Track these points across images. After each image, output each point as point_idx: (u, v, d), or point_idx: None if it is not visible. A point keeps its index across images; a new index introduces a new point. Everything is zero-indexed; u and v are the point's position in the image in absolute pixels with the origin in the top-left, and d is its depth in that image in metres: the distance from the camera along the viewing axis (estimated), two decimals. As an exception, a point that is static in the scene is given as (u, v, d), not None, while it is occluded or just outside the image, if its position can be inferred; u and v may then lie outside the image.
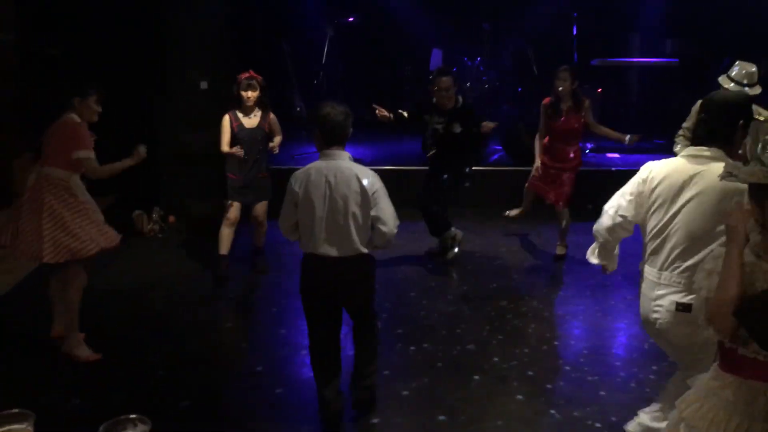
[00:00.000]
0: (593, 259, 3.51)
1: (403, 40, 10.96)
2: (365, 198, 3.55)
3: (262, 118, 5.89)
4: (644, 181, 3.15)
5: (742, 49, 8.70)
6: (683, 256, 2.99)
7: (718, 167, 2.65)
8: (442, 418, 3.95)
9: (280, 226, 3.78)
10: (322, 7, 10.71)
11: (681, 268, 3.00)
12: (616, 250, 3.46)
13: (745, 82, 5.11)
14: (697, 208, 2.96)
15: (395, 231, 3.65)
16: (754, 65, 5.19)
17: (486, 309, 5.47)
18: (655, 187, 3.09)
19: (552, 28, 10.45)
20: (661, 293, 3.06)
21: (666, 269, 3.05)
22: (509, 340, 4.94)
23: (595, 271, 6.23)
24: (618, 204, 3.25)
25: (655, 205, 3.09)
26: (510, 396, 4.19)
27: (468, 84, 9.94)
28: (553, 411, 4.03)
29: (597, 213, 3.44)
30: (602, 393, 4.25)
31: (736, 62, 5.25)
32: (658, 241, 3.08)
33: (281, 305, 5.58)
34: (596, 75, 10.09)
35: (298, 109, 10.16)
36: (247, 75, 5.79)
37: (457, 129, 6.10)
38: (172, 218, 7.61)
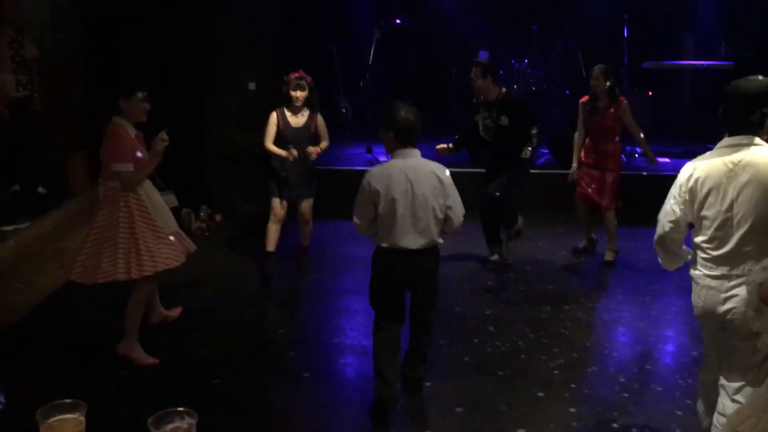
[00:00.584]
0: (668, 267, 3.42)
1: (450, 42, 10.94)
2: (443, 191, 3.84)
3: (309, 117, 5.92)
4: (688, 180, 3.08)
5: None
6: (756, 243, 2.93)
7: (760, 150, 2.92)
8: (484, 424, 3.93)
9: (356, 222, 3.92)
10: (369, 9, 10.77)
11: (756, 256, 2.91)
12: (684, 248, 3.33)
13: None
14: (755, 193, 2.92)
15: (462, 219, 3.96)
16: None
17: (530, 313, 5.42)
18: (702, 184, 3.03)
19: (602, 30, 10.30)
20: (735, 284, 2.98)
21: (738, 260, 2.98)
22: (553, 345, 4.89)
23: (642, 277, 6.21)
24: (666, 211, 3.19)
25: (707, 201, 3.03)
26: (554, 402, 4.14)
27: (515, 86, 9.86)
28: (597, 418, 3.97)
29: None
30: (648, 400, 4.18)
31: None
32: (721, 234, 3.01)
33: (327, 306, 5.62)
34: (648, 78, 9.90)
35: (344, 110, 10.23)
36: (296, 75, 5.84)
37: (505, 121, 6.00)
38: (218, 217, 7.74)
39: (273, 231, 6.01)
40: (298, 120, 5.89)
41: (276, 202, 5.96)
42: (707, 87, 9.89)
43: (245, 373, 4.51)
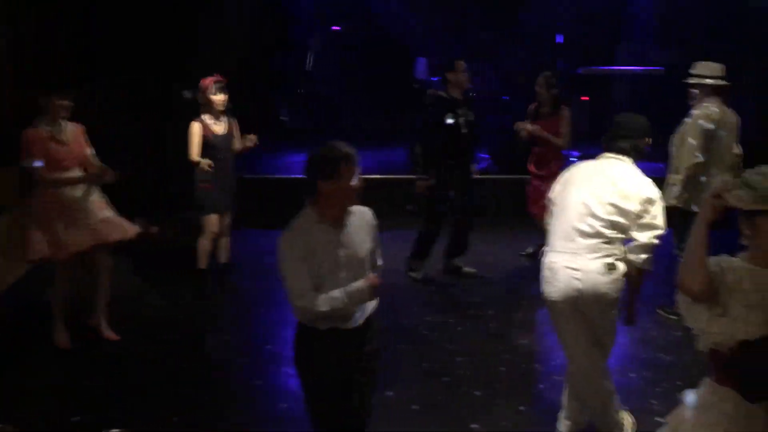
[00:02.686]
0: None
1: (392, 49, 10.94)
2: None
3: (228, 123, 5.67)
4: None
5: (727, 57, 8.78)
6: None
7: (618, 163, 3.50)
8: (439, 425, 3.90)
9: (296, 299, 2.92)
10: (308, 17, 10.69)
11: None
12: None
13: (707, 73, 5.18)
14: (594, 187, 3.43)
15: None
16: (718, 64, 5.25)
17: (480, 318, 5.42)
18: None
19: (537, 37, 10.48)
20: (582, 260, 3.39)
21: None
22: (501, 347, 4.89)
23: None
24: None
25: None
26: (504, 402, 4.14)
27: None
28: (545, 417, 3.96)
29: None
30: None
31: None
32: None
33: (263, 318, 5.51)
34: (583, 84, 10.11)
35: (283, 118, 10.12)
36: (215, 78, 5.53)
37: (472, 116, 5.98)
38: (154, 229, 7.43)
39: (206, 247, 5.70)
40: (220, 127, 5.60)
41: (212, 218, 5.64)
42: (639, 92, 10.18)
43: (192, 392, 4.34)
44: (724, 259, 2.23)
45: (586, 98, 9.76)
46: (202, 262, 5.74)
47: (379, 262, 3.10)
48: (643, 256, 3.37)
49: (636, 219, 3.35)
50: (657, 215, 3.37)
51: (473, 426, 3.90)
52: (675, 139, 5.24)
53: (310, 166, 2.80)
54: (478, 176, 6.46)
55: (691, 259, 2.22)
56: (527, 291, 6.02)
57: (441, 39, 10.71)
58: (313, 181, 2.80)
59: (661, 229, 3.38)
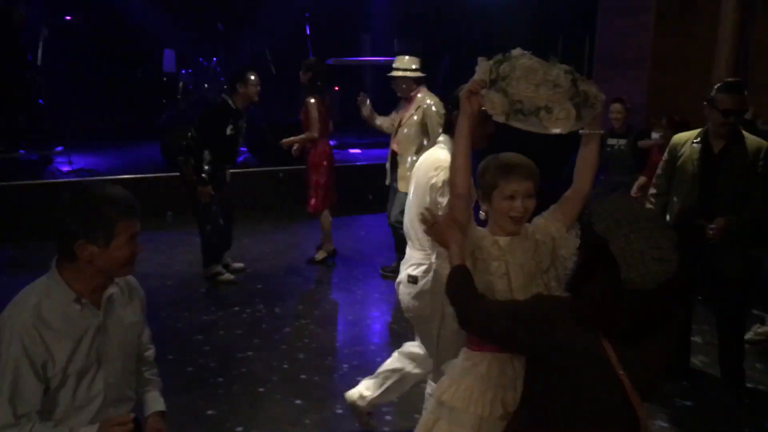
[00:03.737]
0: None
1: (133, 41, 10.32)
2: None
3: None
4: None
5: (459, 49, 9.54)
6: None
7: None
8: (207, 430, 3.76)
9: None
10: (35, 6, 9.67)
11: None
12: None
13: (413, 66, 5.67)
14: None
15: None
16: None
17: (246, 315, 5.33)
18: None
19: (287, 28, 10.54)
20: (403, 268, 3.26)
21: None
22: (272, 342, 4.86)
23: (351, 264, 6.49)
24: None
25: None
26: (278, 398, 4.11)
27: (206, 85, 9.68)
28: (321, 408, 4.02)
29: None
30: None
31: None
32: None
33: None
34: (333, 74, 10.35)
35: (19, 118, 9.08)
36: None
37: (245, 125, 5.99)
38: None
39: None
40: None
41: None
42: (385, 81, 10.67)
43: None
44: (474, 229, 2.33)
45: (336, 88, 10.03)
46: None
47: (150, 350, 2.39)
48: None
49: None
50: None
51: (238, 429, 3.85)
52: (415, 126, 5.63)
53: (69, 216, 1.98)
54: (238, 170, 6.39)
55: (456, 158, 2.30)
56: (293, 283, 6.09)
57: (188, 30, 10.33)
58: (70, 241, 1.97)
59: None
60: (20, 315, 1.96)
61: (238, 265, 6.25)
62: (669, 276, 1.71)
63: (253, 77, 5.73)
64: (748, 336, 4.65)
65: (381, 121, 6.10)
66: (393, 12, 11.08)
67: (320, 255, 6.55)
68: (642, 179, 6.19)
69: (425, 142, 5.48)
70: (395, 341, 4.89)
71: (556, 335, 1.87)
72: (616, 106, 6.31)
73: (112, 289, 2.10)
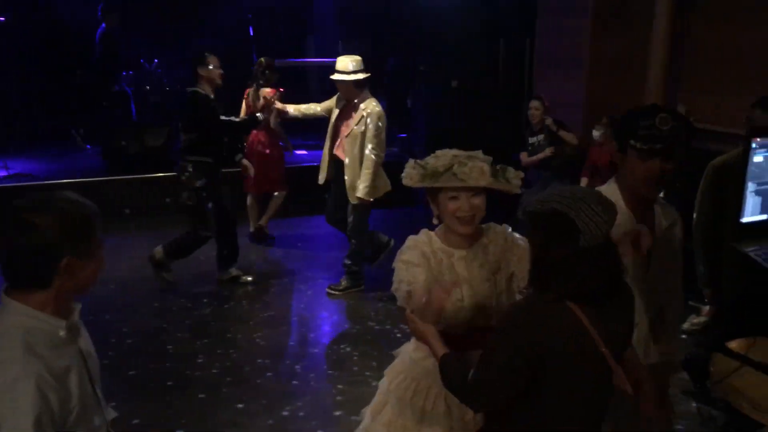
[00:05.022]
0: None
1: (72, 42, 10.03)
2: None
3: None
4: None
5: (405, 50, 9.61)
6: None
7: None
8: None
9: None
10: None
11: None
12: None
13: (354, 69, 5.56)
14: None
15: None
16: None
17: (189, 319, 5.27)
18: None
19: (230, 30, 10.42)
20: None
21: None
22: (217, 346, 4.81)
23: (301, 267, 6.46)
24: None
25: None
26: (222, 402, 4.08)
27: (147, 87, 9.51)
28: (265, 410, 4.01)
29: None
30: (313, 384, 4.35)
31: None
32: None
33: None
34: (280, 75, 10.28)
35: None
36: None
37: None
38: None
39: None
40: None
41: None
42: (331, 82, 10.66)
43: None
44: (416, 238, 2.37)
45: (282, 90, 9.97)
46: None
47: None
48: None
49: None
50: None
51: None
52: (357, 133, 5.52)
53: (51, 230, 1.70)
54: None
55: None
56: (241, 284, 6.02)
57: (134, 31, 10.10)
58: (50, 260, 1.72)
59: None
60: (28, 370, 1.66)
61: (249, 277, 6.07)
62: (608, 229, 1.90)
63: (211, 58, 5.59)
64: (684, 326, 4.82)
65: (307, 109, 6.18)
66: (338, 14, 11.07)
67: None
68: (584, 180, 6.37)
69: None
70: (345, 341, 4.92)
71: (543, 334, 1.89)
72: (535, 103, 6.57)
73: (77, 307, 1.87)
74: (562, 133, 6.67)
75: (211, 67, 5.54)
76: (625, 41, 7.25)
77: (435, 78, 9.07)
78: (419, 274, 2.26)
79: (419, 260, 2.29)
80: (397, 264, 2.32)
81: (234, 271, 5.98)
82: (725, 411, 2.41)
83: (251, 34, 10.24)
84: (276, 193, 6.94)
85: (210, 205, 5.57)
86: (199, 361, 4.60)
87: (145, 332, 5.02)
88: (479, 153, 2.33)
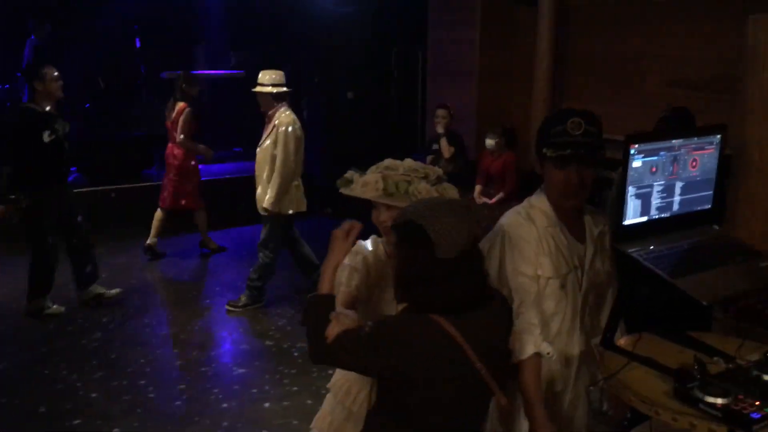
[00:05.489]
0: None
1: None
2: None
3: None
4: None
5: (298, 61, 9.57)
6: None
7: None
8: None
9: None
10: None
11: None
12: None
13: (272, 82, 5.49)
14: None
15: None
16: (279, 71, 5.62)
17: (83, 342, 5.02)
18: None
19: (117, 41, 10.05)
20: None
21: None
22: (111, 370, 4.61)
23: (199, 281, 6.30)
24: None
25: None
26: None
27: (8, 104, 8.96)
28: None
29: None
30: (211, 400, 4.23)
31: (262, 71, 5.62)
32: None
33: None
34: (168, 88, 10.02)
35: None
36: None
37: (68, 127, 5.58)
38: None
39: None
40: None
41: None
42: (223, 94, 10.48)
43: None
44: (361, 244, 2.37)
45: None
46: None
47: None
48: None
49: None
50: None
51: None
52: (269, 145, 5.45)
53: None
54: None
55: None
56: (136, 305, 5.80)
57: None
58: None
59: None
60: None
61: (114, 291, 5.82)
62: (466, 241, 1.86)
63: (49, 71, 5.22)
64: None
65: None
66: (227, 24, 10.89)
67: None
68: (478, 188, 6.53)
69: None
70: (245, 360, 4.81)
71: (409, 353, 1.86)
72: (441, 111, 6.69)
73: None
74: (442, 142, 6.59)
75: (48, 80, 5.22)
76: (511, 53, 7.53)
77: (330, 89, 9.09)
78: (353, 279, 2.30)
79: (360, 265, 2.33)
80: (341, 265, 2.31)
81: (98, 289, 5.70)
82: (617, 406, 2.52)
83: (137, 45, 9.95)
84: (195, 213, 6.83)
85: (44, 225, 5.28)
86: (93, 392, 4.37)
87: (31, 364, 4.73)
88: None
